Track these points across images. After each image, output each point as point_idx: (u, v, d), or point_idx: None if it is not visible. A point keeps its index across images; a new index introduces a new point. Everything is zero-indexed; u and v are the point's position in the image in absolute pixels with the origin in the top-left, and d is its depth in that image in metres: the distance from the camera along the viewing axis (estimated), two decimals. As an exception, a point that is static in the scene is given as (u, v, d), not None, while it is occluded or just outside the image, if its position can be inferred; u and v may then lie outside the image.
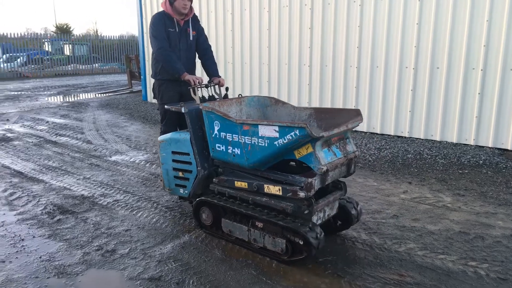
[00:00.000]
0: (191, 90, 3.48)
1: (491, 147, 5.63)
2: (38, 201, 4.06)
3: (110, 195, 4.21)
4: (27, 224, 3.56)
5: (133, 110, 9.39)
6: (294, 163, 3.24)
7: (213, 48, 8.40)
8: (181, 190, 3.56)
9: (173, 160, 3.53)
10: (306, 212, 2.81)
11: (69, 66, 22.09)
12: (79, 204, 3.99)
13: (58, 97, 12.51)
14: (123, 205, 3.96)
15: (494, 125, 5.56)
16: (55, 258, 2.99)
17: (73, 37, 26.10)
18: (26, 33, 22.88)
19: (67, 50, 23.49)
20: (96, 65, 22.85)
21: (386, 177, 4.76)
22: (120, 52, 24.04)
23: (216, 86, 3.86)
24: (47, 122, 8.22)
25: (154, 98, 4.28)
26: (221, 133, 3.11)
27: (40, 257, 3.00)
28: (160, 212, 3.79)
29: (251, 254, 3.02)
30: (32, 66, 21.03)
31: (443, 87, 5.87)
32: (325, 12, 6.80)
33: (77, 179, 4.72)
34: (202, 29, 4.20)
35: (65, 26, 39.08)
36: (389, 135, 6.42)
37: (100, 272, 2.84)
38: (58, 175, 4.86)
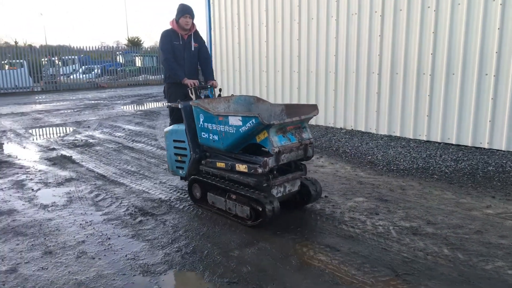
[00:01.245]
0: (188, 90, 4.38)
1: None
2: (120, 203, 4.33)
3: (185, 200, 4.38)
4: (112, 224, 3.81)
5: (201, 118, 9.71)
6: (266, 149, 3.68)
7: (278, 58, 8.57)
8: (180, 172, 4.38)
9: (174, 147, 4.37)
10: (264, 185, 3.53)
11: (140, 76, 23.42)
12: (157, 207, 4.20)
13: (131, 106, 13.30)
14: (198, 210, 4.10)
15: None
16: (139, 257, 3.17)
17: (143, 49, 27.64)
18: (101, 46, 24.59)
19: (138, 61, 24.96)
20: (164, 75, 23.99)
21: (466, 190, 4.50)
22: (186, 63, 25.03)
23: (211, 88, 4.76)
24: (124, 129, 8.76)
25: (164, 98, 5.08)
26: (205, 123, 3.90)
27: (126, 256, 3.20)
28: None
29: (328, 264, 2.99)
30: (107, 77, 22.58)
31: (528, 95, 5.45)
32: (396, 19, 6.63)
33: (154, 183, 4.97)
34: (203, 41, 5.00)
35: (136, 39, 41.52)
36: (466, 146, 6.07)
37: (181, 272, 2.96)
38: (137, 179, 5.16)
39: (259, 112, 4.12)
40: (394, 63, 6.78)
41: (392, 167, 5.40)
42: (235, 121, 3.56)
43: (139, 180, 5.11)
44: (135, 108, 12.58)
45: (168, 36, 4.68)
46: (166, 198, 4.44)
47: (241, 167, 3.66)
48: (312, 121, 8.17)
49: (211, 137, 3.87)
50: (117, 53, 25.63)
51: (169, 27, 4.80)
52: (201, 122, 3.94)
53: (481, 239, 3.33)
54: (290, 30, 8.36)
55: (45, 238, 3.53)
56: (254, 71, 9.32)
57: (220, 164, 3.87)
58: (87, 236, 3.55)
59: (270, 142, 3.42)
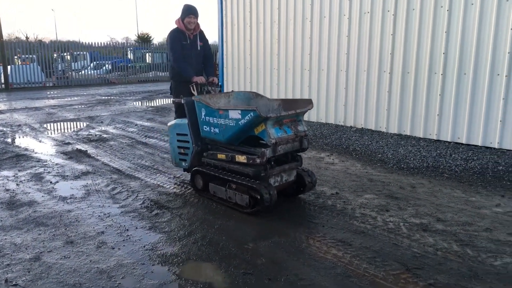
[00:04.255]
0: (190, 87, 4.53)
1: None
2: (136, 196, 4.46)
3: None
4: (130, 216, 3.93)
5: (211, 115, 9.81)
6: (264, 141, 3.86)
7: (290, 56, 8.77)
8: (183, 164, 4.62)
9: (177, 140, 4.59)
10: (262, 174, 3.74)
11: (150, 73, 23.60)
12: (172, 201, 4.31)
13: (143, 102, 13.45)
14: (213, 205, 4.21)
15: None
16: (157, 248, 3.28)
17: (152, 46, 27.80)
18: (110, 42, 24.78)
19: (148, 58, 25.12)
20: (174, 72, 24.09)
21: (475, 189, 4.56)
22: (196, 60, 25.12)
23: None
24: (136, 124, 8.90)
25: (170, 94, 5.23)
26: (206, 117, 4.12)
27: (144, 246, 3.31)
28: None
29: (340, 258, 3.08)
30: (118, 73, 22.77)
31: (540, 96, 5.48)
32: (409, 18, 6.67)
33: (168, 178, 5.09)
34: (207, 40, 5.24)
35: (146, 35, 41.72)
36: (476, 145, 6.11)
37: (198, 263, 3.07)
38: (151, 173, 5.28)
39: (257, 107, 4.27)
40: (405, 62, 6.82)
41: (402, 166, 5.46)
42: (234, 114, 3.78)
43: (154, 175, 5.23)
44: (146, 104, 12.73)
45: (177, 37, 4.89)
46: (180, 192, 4.56)
47: (241, 158, 3.86)
48: (322, 119, 8.25)
49: (212, 130, 4.10)
50: (128, 49, 25.82)
51: (175, 26, 5.00)
52: (203, 116, 4.17)
53: (490, 236, 3.40)
54: (302, 29, 8.43)
55: (65, 229, 3.66)
56: (265, 69, 9.41)
57: (221, 156, 4.09)
58: (106, 227, 3.67)
59: (267, 134, 3.65)
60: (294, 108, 3.94)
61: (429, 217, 3.81)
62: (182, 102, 4.41)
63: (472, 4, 5.94)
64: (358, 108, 7.65)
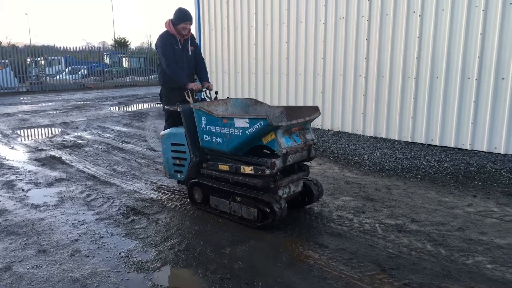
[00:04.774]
0: (185, 94, 4.24)
1: (562, 162, 5.35)
2: (112, 203, 4.38)
3: (176, 199, 4.45)
4: (105, 223, 3.86)
5: (189, 120, 9.75)
6: (268, 151, 3.79)
7: (267, 60, 8.76)
8: (179, 175, 4.35)
9: (172, 151, 4.33)
10: (272, 186, 3.53)
11: (127, 77, 23.31)
12: (149, 207, 4.26)
13: (119, 107, 13.26)
14: (190, 209, 4.17)
15: None
16: (132, 255, 3.23)
17: (129, 50, 27.49)
18: (86, 47, 24.38)
19: (125, 62, 24.82)
20: (152, 76, 23.92)
21: (448, 189, 4.66)
22: (174, 64, 24.94)
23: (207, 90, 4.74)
24: (112, 130, 8.76)
25: (160, 101, 5.03)
26: (207, 126, 3.86)
27: (120, 254, 3.26)
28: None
29: (317, 260, 3.10)
30: (94, 77, 22.41)
31: (508, 99, 5.66)
32: (382, 23, 6.80)
33: (145, 183, 5.03)
34: (197, 44, 5.06)
35: (123, 40, 41.23)
36: (448, 147, 6.26)
37: (175, 269, 3.04)
38: (127, 179, 5.20)
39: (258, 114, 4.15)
40: (380, 66, 6.95)
41: (378, 168, 5.55)
42: (241, 123, 3.52)
43: (130, 180, 5.15)
44: (123, 109, 12.56)
45: (168, 41, 4.66)
46: (157, 198, 4.50)
47: (247, 169, 3.61)
48: (300, 123, 8.30)
49: (214, 140, 3.83)
50: (104, 54, 25.45)
51: (165, 29, 4.76)
52: (203, 125, 3.89)
53: (462, 235, 3.48)
54: (279, 33, 8.48)
55: (38, 237, 3.56)
56: (243, 73, 9.42)
57: (223, 167, 3.83)
58: (80, 235, 3.59)
59: (277, 144, 3.43)
60: (300, 116, 3.74)
61: (404, 218, 3.88)
62: (179, 110, 4.13)
63: (443, 9, 6.11)
64: (335, 111, 7.73)
